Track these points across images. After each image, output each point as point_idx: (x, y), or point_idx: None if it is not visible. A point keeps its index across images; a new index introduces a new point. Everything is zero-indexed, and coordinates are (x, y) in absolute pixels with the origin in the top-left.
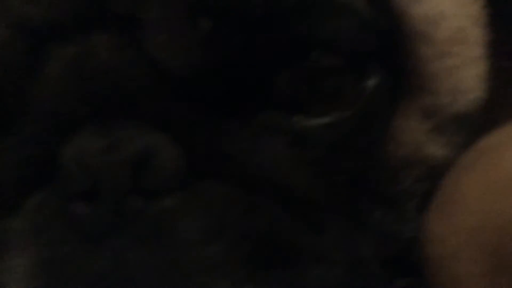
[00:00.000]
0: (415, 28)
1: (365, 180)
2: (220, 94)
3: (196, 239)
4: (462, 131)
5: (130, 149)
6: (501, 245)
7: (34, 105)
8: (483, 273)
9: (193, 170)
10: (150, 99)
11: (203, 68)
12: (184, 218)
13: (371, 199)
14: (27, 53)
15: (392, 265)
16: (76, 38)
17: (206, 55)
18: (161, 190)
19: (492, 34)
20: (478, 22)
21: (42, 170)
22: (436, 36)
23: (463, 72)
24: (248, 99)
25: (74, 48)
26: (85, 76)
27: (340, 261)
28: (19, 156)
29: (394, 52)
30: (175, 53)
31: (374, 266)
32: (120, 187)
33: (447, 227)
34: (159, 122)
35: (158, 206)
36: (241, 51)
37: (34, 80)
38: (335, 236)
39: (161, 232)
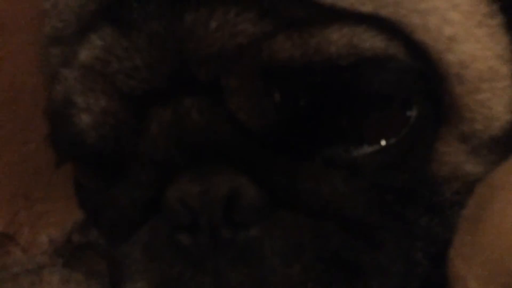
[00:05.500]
0: (449, 70)
1: (412, 195)
2: (290, 141)
3: (278, 261)
4: (497, 150)
5: (221, 191)
6: None
7: (142, 157)
8: None
9: (271, 204)
10: (233, 149)
11: (276, 125)
12: (267, 244)
13: (417, 209)
14: (133, 117)
15: (437, 262)
16: (171, 102)
17: (278, 117)
18: (247, 222)
19: None
20: (505, 59)
21: (150, 207)
22: (468, 76)
23: (493, 103)
24: (313, 142)
25: (170, 111)
26: (181, 133)
27: (398, 269)
28: (132, 196)
29: (432, 88)
30: (252, 115)
31: (425, 266)
32: (215, 221)
33: (468, 270)
34: (241, 167)
35: (246, 235)
36: (307, 108)
37: (141, 137)
38: (391, 248)
39: (250, 256)
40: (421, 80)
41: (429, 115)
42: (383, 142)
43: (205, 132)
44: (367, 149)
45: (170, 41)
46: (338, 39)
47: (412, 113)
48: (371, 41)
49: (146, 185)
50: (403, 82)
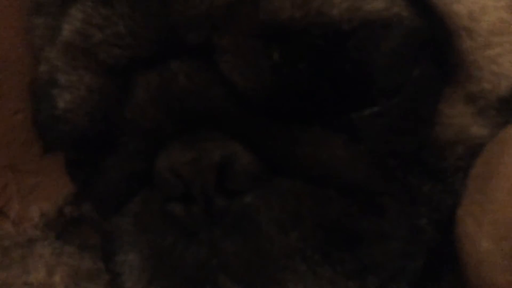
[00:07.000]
0: (458, 24)
1: (414, 160)
2: (286, 105)
3: (274, 229)
4: (503, 112)
5: (213, 159)
6: None
7: (130, 127)
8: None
9: (266, 171)
10: (225, 114)
11: (272, 87)
12: (263, 212)
13: (420, 175)
14: (118, 89)
15: (442, 232)
16: (158, 67)
17: (275, 78)
18: (241, 189)
19: None
20: None
21: (140, 179)
22: (478, 29)
23: (504, 59)
24: (310, 106)
25: (156, 76)
26: (169, 99)
27: (401, 235)
28: (122, 168)
29: (438, 45)
30: (247, 77)
31: (431, 233)
32: (208, 189)
33: (478, 228)
34: (234, 133)
35: (240, 203)
36: (306, 71)
37: (126, 106)
38: (394, 215)
39: (245, 225)
40: (426, 37)
41: (434, 74)
42: (384, 103)
43: (194, 97)
44: (367, 110)
45: (154, 3)
46: (340, 1)
47: (415, 72)
48: (374, 2)
49: (136, 156)
50: (408, 44)
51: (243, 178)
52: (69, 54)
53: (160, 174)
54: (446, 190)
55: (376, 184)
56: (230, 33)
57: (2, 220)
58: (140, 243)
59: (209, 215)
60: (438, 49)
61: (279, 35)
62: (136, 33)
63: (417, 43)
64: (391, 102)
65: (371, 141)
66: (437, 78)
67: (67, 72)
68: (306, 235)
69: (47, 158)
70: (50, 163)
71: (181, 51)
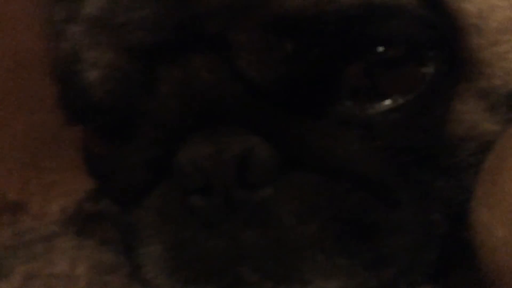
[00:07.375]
0: (467, 21)
1: (428, 155)
2: (302, 98)
3: (293, 221)
4: None
5: (233, 152)
6: None
7: (152, 117)
8: None
9: (284, 164)
10: (244, 108)
11: (287, 80)
12: (282, 204)
13: (433, 171)
14: (140, 73)
15: (456, 225)
16: (179, 60)
17: (289, 70)
18: (260, 182)
19: None
20: None
21: (160, 170)
22: (487, 27)
23: None
24: (325, 98)
25: (179, 69)
26: (190, 92)
27: (415, 229)
28: (142, 158)
29: (448, 42)
30: (262, 70)
31: (444, 227)
32: (228, 182)
33: (493, 217)
34: (253, 127)
35: (260, 196)
36: (319, 61)
37: (150, 96)
38: (408, 208)
39: (264, 217)
40: (436, 33)
41: (446, 71)
42: (399, 99)
43: (215, 92)
44: (382, 106)
45: None
46: None
47: (429, 69)
48: None
49: (157, 146)
50: (414, 33)
51: (262, 171)
52: (92, 30)
53: (181, 166)
54: (459, 185)
55: (390, 179)
56: (244, 28)
57: (23, 216)
58: (161, 235)
59: (230, 207)
60: (449, 46)
61: (290, 25)
62: (159, 18)
63: (424, 36)
64: (406, 98)
65: (386, 137)
66: (450, 75)
67: (91, 48)
68: (324, 226)
69: (67, 156)
70: (69, 161)
71: (202, 44)
